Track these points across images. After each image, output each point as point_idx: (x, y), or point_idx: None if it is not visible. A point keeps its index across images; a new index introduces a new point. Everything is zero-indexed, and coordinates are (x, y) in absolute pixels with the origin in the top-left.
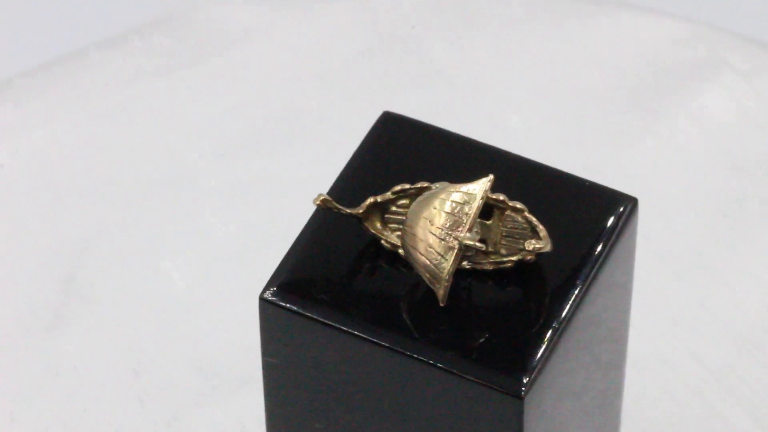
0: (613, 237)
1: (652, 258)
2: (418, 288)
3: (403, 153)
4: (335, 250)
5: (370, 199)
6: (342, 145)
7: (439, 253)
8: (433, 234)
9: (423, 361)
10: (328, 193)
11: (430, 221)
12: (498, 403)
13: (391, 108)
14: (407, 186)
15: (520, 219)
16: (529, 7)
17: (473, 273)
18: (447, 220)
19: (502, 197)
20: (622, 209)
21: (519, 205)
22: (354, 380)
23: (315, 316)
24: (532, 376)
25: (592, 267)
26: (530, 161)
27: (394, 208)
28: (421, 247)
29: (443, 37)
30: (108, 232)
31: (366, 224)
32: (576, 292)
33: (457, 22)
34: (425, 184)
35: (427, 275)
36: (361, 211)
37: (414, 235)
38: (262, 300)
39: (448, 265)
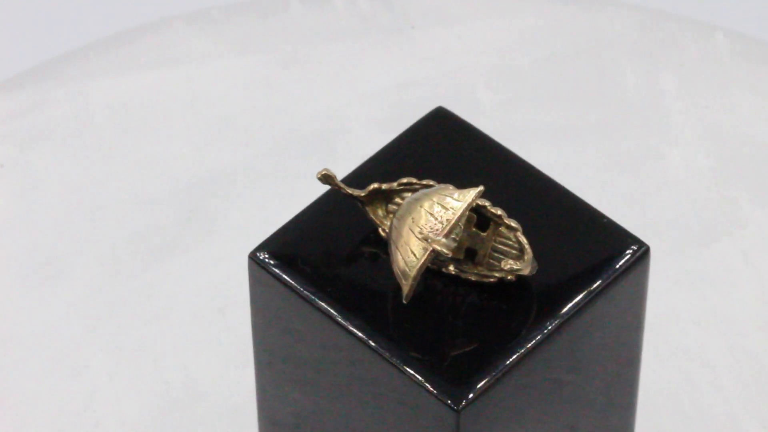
0: (610, 278)
1: None
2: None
3: (436, 149)
4: (336, 229)
5: (375, 185)
6: None
7: (413, 252)
8: (413, 233)
9: (377, 353)
10: (349, 174)
11: (414, 220)
12: (436, 412)
13: None
14: (414, 180)
15: (512, 237)
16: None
17: (460, 281)
18: (429, 222)
19: (500, 212)
20: (629, 253)
21: (514, 224)
22: (320, 356)
23: (292, 284)
24: (477, 393)
25: (577, 305)
26: (556, 185)
27: (397, 199)
28: (401, 243)
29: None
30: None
31: (368, 209)
32: (552, 324)
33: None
34: (431, 183)
35: (398, 271)
36: (363, 194)
37: (398, 230)
38: (250, 258)
39: (417, 265)
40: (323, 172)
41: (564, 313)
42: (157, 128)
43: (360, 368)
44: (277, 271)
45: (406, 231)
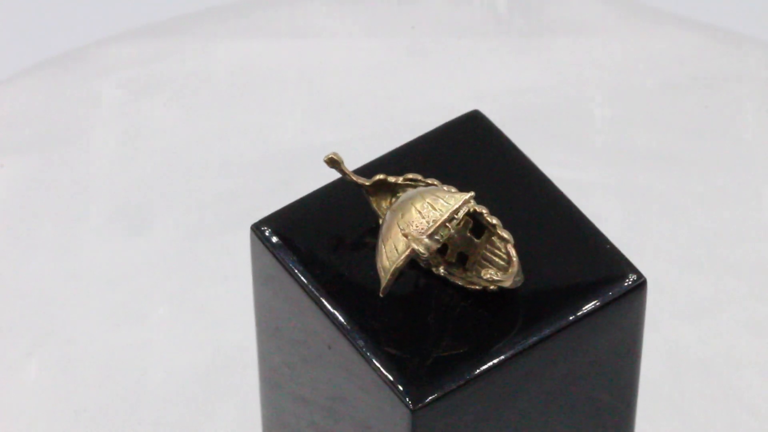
0: (599, 304)
1: None
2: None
3: (459, 151)
4: (341, 215)
5: (380, 176)
6: None
7: (396, 249)
8: (401, 229)
9: (350, 341)
10: (368, 164)
11: (403, 217)
12: (394, 408)
13: None
14: (419, 177)
15: (502, 248)
16: None
17: (449, 284)
18: (416, 220)
19: (495, 221)
20: (624, 282)
21: (506, 235)
22: (303, 334)
23: (285, 261)
24: (436, 397)
25: (560, 325)
26: (569, 204)
27: (400, 194)
28: (388, 237)
29: None
30: None
31: (373, 199)
32: (530, 340)
33: None
34: (435, 182)
35: (380, 265)
36: (368, 183)
37: (389, 225)
38: (252, 229)
39: (396, 261)
40: (330, 156)
41: (545, 332)
42: (269, 96)
43: (334, 353)
44: (273, 246)
45: (394, 226)
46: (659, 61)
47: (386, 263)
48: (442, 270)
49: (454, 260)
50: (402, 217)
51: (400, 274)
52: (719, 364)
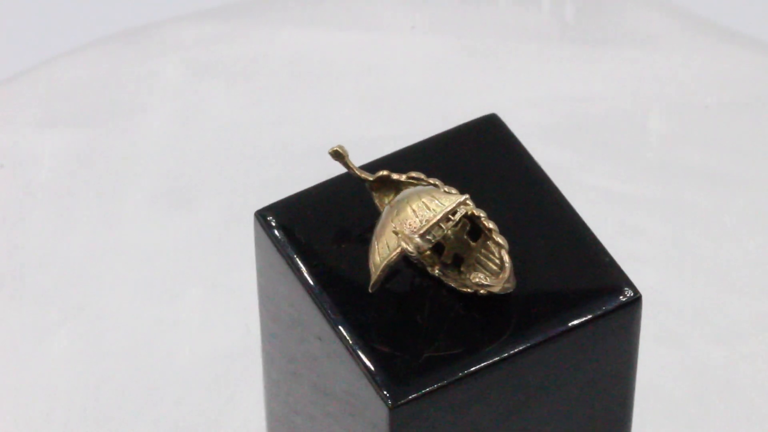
0: (591, 316)
1: None
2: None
3: (470, 153)
4: (345, 208)
5: (384, 173)
6: None
7: (388, 246)
8: (394, 227)
9: (338, 334)
10: (381, 160)
11: (398, 215)
12: (374, 404)
13: None
14: (422, 176)
15: (496, 253)
16: None
17: (443, 285)
18: (410, 219)
19: (491, 226)
20: (618, 297)
21: (501, 240)
22: (296, 323)
23: (283, 249)
24: (417, 396)
25: (549, 334)
26: (574, 215)
27: (394, 193)
28: (382, 234)
29: None
30: None
31: (375, 194)
32: (519, 347)
33: None
34: (437, 182)
35: (372, 261)
36: (371, 178)
37: (383, 222)
38: (255, 216)
39: (387, 258)
40: (335, 149)
41: (534, 340)
42: (327, 87)
43: (323, 345)
44: (274, 234)
45: (388, 224)
46: (721, 80)
47: (377, 259)
48: (437, 271)
49: (449, 262)
50: (397, 215)
51: (393, 271)
52: (746, 387)
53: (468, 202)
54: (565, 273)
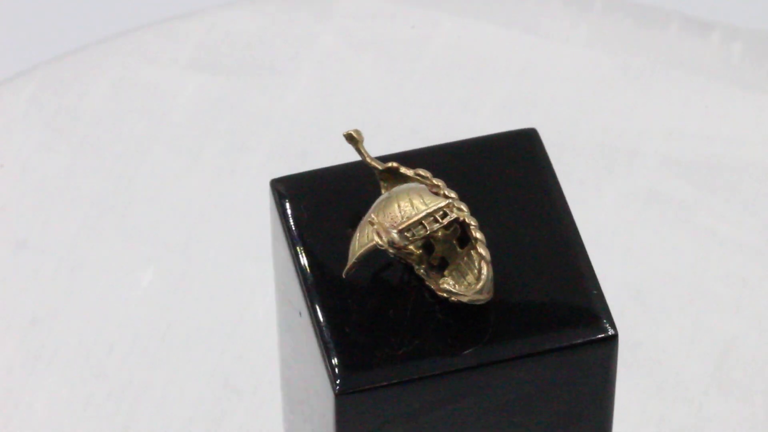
0: (562, 345)
1: None
2: (375, 262)
3: (493, 162)
4: (356, 191)
5: (393, 164)
6: None
7: (368, 236)
8: (371, 218)
9: (313, 313)
10: (407, 153)
11: (384, 208)
12: (327, 388)
13: None
14: (428, 175)
15: (477, 264)
16: None
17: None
18: (392, 214)
19: (479, 235)
20: (594, 331)
21: (483, 252)
22: (289, 295)
23: (284, 221)
24: (365, 388)
25: (514, 356)
26: (576, 241)
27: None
28: (365, 224)
29: None
30: None
31: (383, 184)
32: (483, 361)
33: None
34: (439, 183)
35: (351, 247)
36: (380, 168)
37: (370, 213)
38: (270, 183)
39: (361, 248)
40: (349, 132)
41: (498, 357)
42: (472, 81)
43: (302, 321)
44: (282, 203)
45: (373, 216)
46: None
47: (355, 247)
48: (421, 270)
49: (435, 263)
50: (384, 207)
51: (386, 264)
52: None
53: (463, 208)
54: (549, 296)
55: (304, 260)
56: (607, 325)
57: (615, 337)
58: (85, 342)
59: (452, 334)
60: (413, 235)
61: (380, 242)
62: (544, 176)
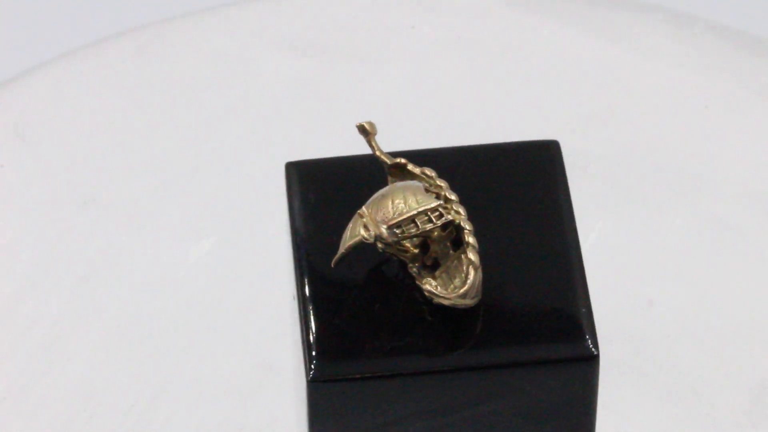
0: (540, 359)
1: None
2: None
3: (509, 169)
4: (369, 183)
5: (401, 160)
6: None
7: (358, 229)
8: (368, 213)
9: (301, 296)
10: (423, 150)
11: (378, 203)
12: (304, 373)
13: None
14: (433, 175)
15: (465, 268)
16: None
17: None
18: (384, 210)
19: (471, 240)
20: (573, 348)
21: (473, 258)
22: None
23: (292, 203)
24: (334, 378)
25: (491, 364)
26: (576, 257)
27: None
28: (358, 217)
29: None
30: None
31: (391, 179)
32: (457, 365)
33: None
34: (442, 184)
35: (343, 236)
36: (388, 162)
37: (365, 207)
38: (285, 165)
39: (350, 240)
40: (362, 123)
41: (473, 363)
42: (551, 88)
43: (295, 304)
44: (291, 187)
45: (364, 209)
46: None
47: (346, 238)
48: (414, 269)
49: (429, 263)
50: (378, 202)
51: (384, 258)
52: None
53: (461, 211)
54: (538, 310)
55: (303, 244)
56: (590, 345)
57: (596, 357)
58: (133, 303)
59: (436, 336)
60: (403, 232)
61: (366, 236)
62: (555, 189)
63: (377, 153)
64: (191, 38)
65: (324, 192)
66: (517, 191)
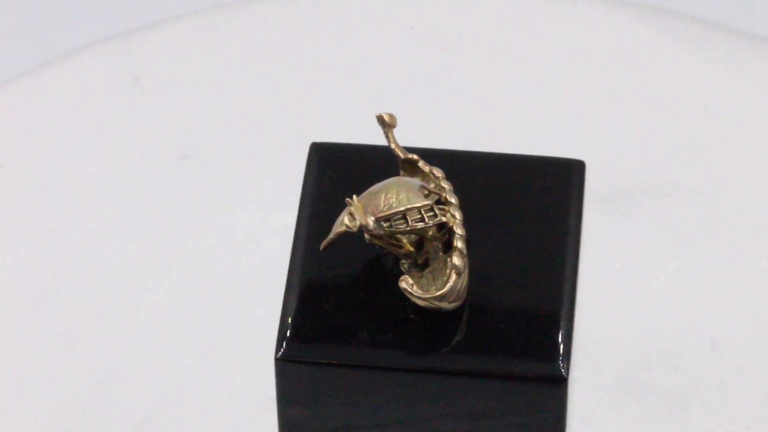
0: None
1: None
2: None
3: (528, 182)
4: (382, 173)
5: (413, 157)
6: None
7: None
8: (356, 202)
9: (289, 274)
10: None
11: (372, 194)
12: (277, 346)
13: None
14: (441, 175)
15: (448, 272)
16: None
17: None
18: (376, 202)
19: (460, 245)
20: (543, 371)
21: (458, 263)
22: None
23: (306, 182)
24: (301, 359)
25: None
26: (570, 278)
27: (419, 179)
28: (347, 204)
29: None
30: None
31: (403, 173)
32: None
33: None
34: (447, 185)
35: (335, 222)
36: (401, 156)
37: (357, 196)
38: (311, 144)
39: (340, 227)
40: (381, 114)
41: (439, 367)
42: (644, 102)
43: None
44: (309, 167)
45: (355, 197)
46: None
47: (336, 224)
48: (405, 266)
49: (420, 262)
50: (372, 193)
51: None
52: None
53: (456, 215)
54: (520, 325)
55: (305, 224)
56: (561, 367)
57: (563, 380)
58: (206, 264)
59: (414, 335)
60: (391, 226)
61: (348, 224)
62: (566, 208)
63: (392, 146)
64: (319, 12)
65: (340, 176)
66: (527, 205)
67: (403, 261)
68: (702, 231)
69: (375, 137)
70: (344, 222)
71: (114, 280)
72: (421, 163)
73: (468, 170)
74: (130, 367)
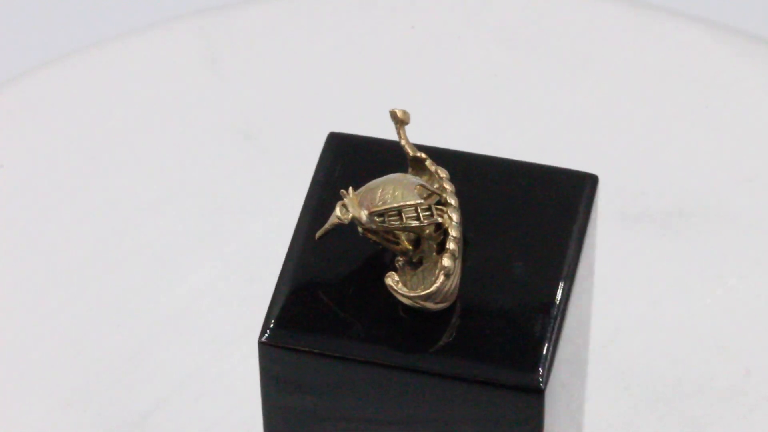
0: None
1: None
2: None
3: (537, 192)
4: (392, 169)
5: (421, 155)
6: None
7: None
8: (351, 195)
9: (285, 261)
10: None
11: (369, 189)
12: (262, 330)
13: None
14: (445, 176)
15: (437, 273)
16: None
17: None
18: (371, 196)
19: (452, 246)
20: (521, 383)
21: (447, 263)
22: None
23: (317, 171)
24: (283, 345)
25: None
26: (563, 295)
27: (426, 178)
28: (342, 196)
29: None
30: None
31: (411, 171)
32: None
33: None
34: (449, 186)
35: (333, 213)
36: (410, 154)
37: (359, 190)
38: (329, 134)
39: (334, 218)
40: (395, 110)
41: (426, 369)
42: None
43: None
44: (322, 156)
45: (351, 189)
46: None
47: (333, 214)
48: (400, 262)
49: (415, 260)
50: (370, 188)
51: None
52: None
53: (454, 217)
54: (507, 333)
55: (309, 213)
56: (540, 379)
57: (541, 392)
58: (250, 246)
59: (401, 333)
60: (384, 221)
61: (340, 216)
62: (572, 221)
63: (403, 142)
64: (398, 7)
65: (352, 168)
66: (532, 214)
67: (398, 257)
68: (751, 258)
69: (440, 140)
70: (337, 213)
71: (155, 256)
72: (428, 162)
73: (478, 173)
74: (161, 343)
